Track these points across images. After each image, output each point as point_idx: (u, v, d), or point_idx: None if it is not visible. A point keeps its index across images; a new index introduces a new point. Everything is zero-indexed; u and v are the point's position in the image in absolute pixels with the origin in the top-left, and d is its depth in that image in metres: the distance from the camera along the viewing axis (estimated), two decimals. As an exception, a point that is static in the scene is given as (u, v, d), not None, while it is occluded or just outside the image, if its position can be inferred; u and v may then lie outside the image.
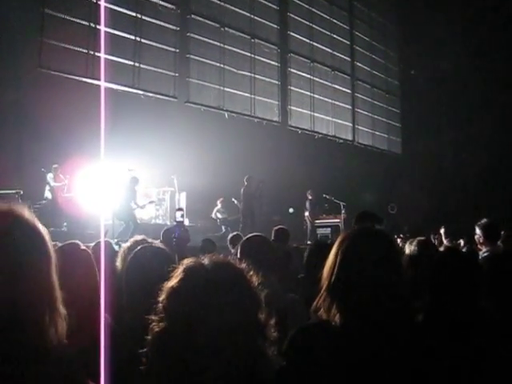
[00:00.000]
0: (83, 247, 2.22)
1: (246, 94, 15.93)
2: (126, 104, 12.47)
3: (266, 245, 2.73)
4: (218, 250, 5.07)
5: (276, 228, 5.42)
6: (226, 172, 13.94)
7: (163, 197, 14.04)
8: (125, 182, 10.91)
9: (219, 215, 13.87)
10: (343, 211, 14.45)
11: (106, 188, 10.88)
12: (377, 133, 21.39)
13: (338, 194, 14.92)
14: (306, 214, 14.96)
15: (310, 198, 14.87)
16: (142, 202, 11.30)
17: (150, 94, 13.61)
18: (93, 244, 3.50)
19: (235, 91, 15.66)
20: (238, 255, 2.58)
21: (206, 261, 1.28)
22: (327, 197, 14.94)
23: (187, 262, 1.30)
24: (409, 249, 2.64)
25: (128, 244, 2.74)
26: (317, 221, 15.04)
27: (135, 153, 11.91)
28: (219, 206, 13.87)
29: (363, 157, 19.31)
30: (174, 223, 6.89)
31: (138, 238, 2.92)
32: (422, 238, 2.79)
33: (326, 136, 18.57)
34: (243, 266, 1.33)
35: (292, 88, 17.60)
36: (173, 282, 1.31)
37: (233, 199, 13.67)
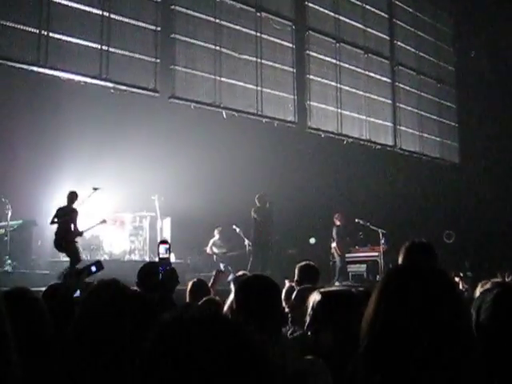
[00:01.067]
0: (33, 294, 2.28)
1: (251, 86, 15.81)
2: (91, 101, 12.64)
3: (275, 291, 2.79)
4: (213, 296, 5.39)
5: (302, 265, 5.51)
6: (226, 190, 14.39)
7: (140, 224, 14.68)
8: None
9: (216, 249, 14.50)
10: (383, 241, 14.65)
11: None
12: (425, 135, 21.19)
13: (376, 219, 15.09)
14: (333, 245, 15.14)
15: (337, 223, 15.11)
16: (86, 224, 11.48)
17: (123, 87, 13.57)
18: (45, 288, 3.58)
19: (235, 82, 15.53)
20: (234, 305, 2.65)
21: (188, 315, 1.24)
22: (361, 222, 15.08)
23: (165, 316, 1.27)
24: (485, 297, 2.41)
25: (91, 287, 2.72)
26: (348, 254, 15.36)
27: (104, 166, 12.24)
28: (217, 237, 14.53)
29: (408, 168, 19.36)
30: (156, 260, 6.74)
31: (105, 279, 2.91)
32: (498, 280, 2.71)
33: (358, 140, 18.46)
34: (240, 321, 1.32)
35: (311, 77, 17.43)
36: (147, 342, 1.30)
37: (234, 226, 14.42)
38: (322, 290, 3.15)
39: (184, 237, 14.36)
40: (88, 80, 12.86)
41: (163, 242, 6.44)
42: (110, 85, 13.25)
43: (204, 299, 5.15)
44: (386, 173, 18.40)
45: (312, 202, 16.31)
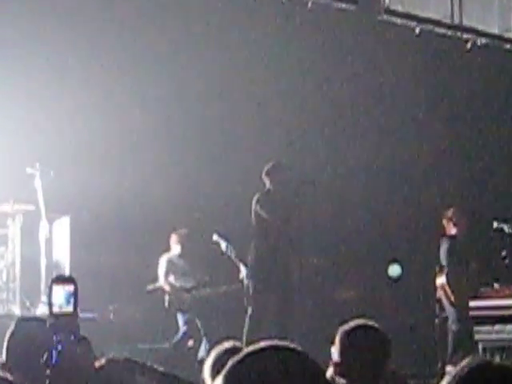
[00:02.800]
0: None
1: None
2: None
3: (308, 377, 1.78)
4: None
5: (351, 326, 3.73)
6: (194, 158, 11.29)
7: (1, 232, 10.14)
8: None
9: (174, 280, 10.30)
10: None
11: None
12: None
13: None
14: (442, 280, 10.09)
15: (452, 231, 10.19)
16: None
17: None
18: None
19: None
20: None
21: None
22: (505, 228, 10.54)
23: None
24: None
25: None
26: (475, 302, 10.08)
27: None
28: (176, 250, 10.31)
29: None
30: (43, 318, 4.41)
31: None
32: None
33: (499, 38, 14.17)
34: None
35: None
36: None
37: (215, 237, 9.93)
38: None
39: (102, 258, 10.15)
40: None
41: (62, 279, 3.77)
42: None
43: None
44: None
45: (395, 183, 12.04)
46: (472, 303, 9.78)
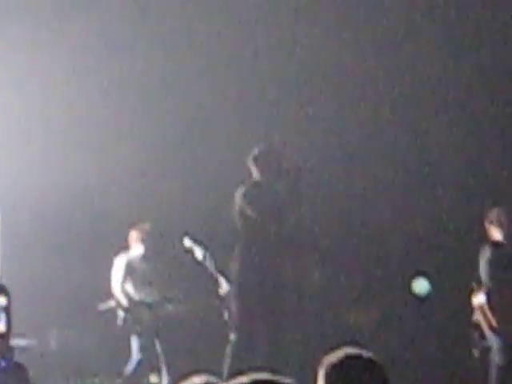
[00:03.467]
0: None
1: None
2: None
3: None
4: None
5: (335, 359, 3.17)
6: (153, 135, 9.98)
7: None
8: None
9: (133, 291, 9.06)
10: None
11: None
12: None
13: None
14: (480, 299, 8.75)
15: (496, 236, 8.85)
16: None
17: None
18: None
19: None
20: None
21: None
22: None
23: None
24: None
25: None
26: None
27: None
28: (137, 250, 9.08)
29: None
30: None
31: None
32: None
33: None
34: None
35: None
36: None
37: (187, 242, 8.36)
38: None
39: (40, 268, 9.27)
40: None
41: None
42: None
43: None
44: None
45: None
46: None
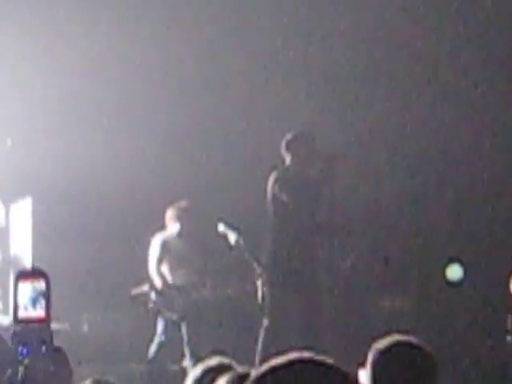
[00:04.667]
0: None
1: None
2: None
3: None
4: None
5: (386, 344, 3.43)
6: (187, 124, 9.89)
7: None
8: None
9: (167, 271, 8.99)
10: None
11: None
12: None
13: None
14: None
15: None
16: None
17: None
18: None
19: None
20: None
21: None
22: None
23: None
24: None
25: None
26: None
27: None
28: (174, 228, 8.95)
29: None
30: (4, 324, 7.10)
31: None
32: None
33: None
34: None
35: None
36: None
37: (221, 226, 8.63)
38: None
39: (72, 252, 8.97)
40: None
41: (29, 274, 3.83)
42: None
43: None
44: None
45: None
46: None
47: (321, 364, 1.72)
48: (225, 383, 3.36)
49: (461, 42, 10.30)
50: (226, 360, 3.75)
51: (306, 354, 1.73)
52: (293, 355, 1.70)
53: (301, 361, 1.73)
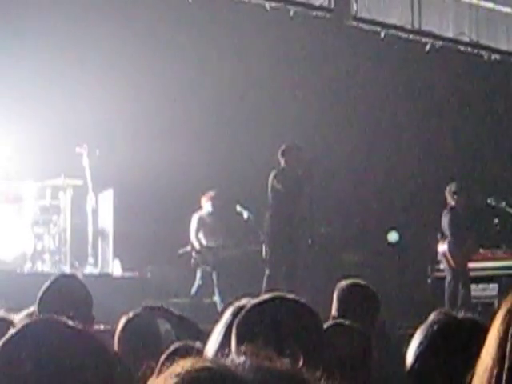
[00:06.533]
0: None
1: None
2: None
3: (313, 325, 2.02)
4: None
5: (346, 285, 4.09)
6: (218, 137, 11.99)
7: (54, 203, 10.29)
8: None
9: (204, 239, 10.66)
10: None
11: None
12: None
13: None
14: (443, 247, 10.75)
15: (452, 203, 10.74)
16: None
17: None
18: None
19: None
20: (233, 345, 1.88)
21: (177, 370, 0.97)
22: (493, 203, 11.57)
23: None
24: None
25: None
26: (472, 264, 11.01)
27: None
28: (206, 209, 10.76)
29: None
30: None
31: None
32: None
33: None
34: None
35: None
36: None
37: (238, 207, 10.86)
38: None
39: (140, 226, 10.71)
40: None
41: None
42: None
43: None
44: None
45: (392, 158, 12.74)
46: (471, 264, 10.53)
47: (295, 301, 2.06)
48: (230, 313, 3.44)
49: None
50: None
51: (288, 295, 2.09)
52: (276, 294, 2.07)
53: (281, 298, 2.06)
